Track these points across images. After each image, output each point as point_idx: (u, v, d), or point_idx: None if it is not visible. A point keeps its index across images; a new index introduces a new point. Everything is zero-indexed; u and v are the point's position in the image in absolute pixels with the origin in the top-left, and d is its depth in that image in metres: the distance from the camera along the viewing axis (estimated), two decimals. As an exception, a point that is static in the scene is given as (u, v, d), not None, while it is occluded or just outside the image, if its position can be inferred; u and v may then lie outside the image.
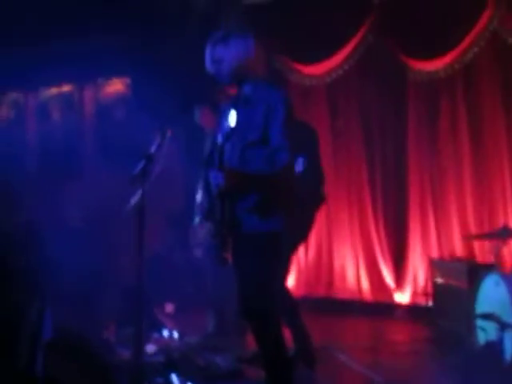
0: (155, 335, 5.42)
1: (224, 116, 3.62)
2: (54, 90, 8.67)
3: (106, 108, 8.32)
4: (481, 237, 6.30)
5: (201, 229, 5.59)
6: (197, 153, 5.79)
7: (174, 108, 5.97)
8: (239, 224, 3.42)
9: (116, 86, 8.31)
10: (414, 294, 6.87)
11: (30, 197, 6.86)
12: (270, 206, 3.42)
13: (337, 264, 7.22)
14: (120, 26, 7.18)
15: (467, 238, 6.57)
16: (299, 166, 4.52)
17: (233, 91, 3.76)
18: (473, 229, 6.62)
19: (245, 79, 3.59)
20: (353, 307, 6.87)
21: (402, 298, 6.92)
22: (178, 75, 6.90)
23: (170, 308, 6.80)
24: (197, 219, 5.65)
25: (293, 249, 4.74)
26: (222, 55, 3.57)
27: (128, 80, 8.22)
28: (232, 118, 3.50)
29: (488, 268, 5.38)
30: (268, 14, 7.22)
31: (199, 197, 5.66)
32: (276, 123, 3.45)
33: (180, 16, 7.26)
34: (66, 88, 8.62)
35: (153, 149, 3.68)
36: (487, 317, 4.68)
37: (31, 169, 8.55)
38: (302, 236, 4.84)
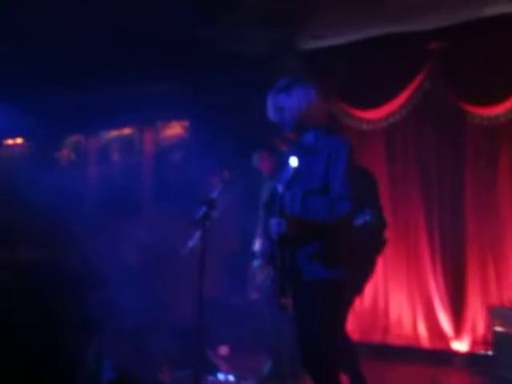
0: (210, 378, 5.43)
1: (285, 164, 3.67)
2: (115, 133, 8.90)
3: (164, 150, 8.49)
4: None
5: (259, 273, 5.62)
6: (254, 197, 5.86)
7: (233, 152, 6.08)
8: (299, 271, 3.44)
9: (175, 129, 8.49)
10: (473, 342, 6.73)
11: (88, 236, 7.01)
12: (331, 254, 3.44)
13: (393, 310, 7.13)
14: (180, 71, 7.36)
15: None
16: (367, 215, 4.52)
17: (292, 137, 3.82)
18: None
19: (307, 127, 3.65)
20: (409, 354, 6.75)
21: (461, 346, 6.78)
22: (237, 120, 7.01)
23: (224, 350, 6.80)
24: (256, 263, 5.68)
25: (355, 293, 4.75)
26: (284, 103, 3.63)
27: (187, 123, 8.39)
28: (293, 165, 3.54)
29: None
30: (325, 58, 7.31)
31: (258, 241, 5.71)
32: (337, 171, 3.48)
33: (236, 61, 7.40)
34: (126, 131, 8.84)
35: (214, 194, 3.75)
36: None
37: (90, 208, 8.74)
38: (364, 280, 4.85)
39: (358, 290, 4.85)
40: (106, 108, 8.14)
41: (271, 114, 3.72)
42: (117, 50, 6.98)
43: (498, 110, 6.65)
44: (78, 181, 8.80)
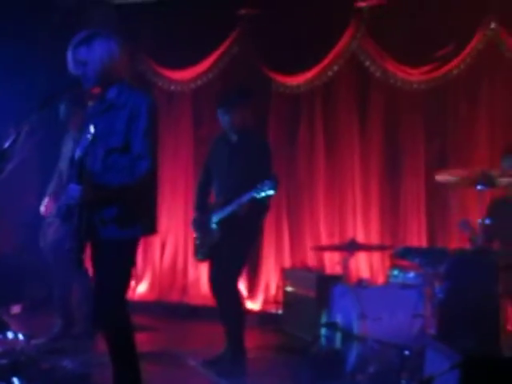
0: (-1, 337, 5.24)
1: (85, 126, 3.58)
2: None
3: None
4: (330, 248, 6.52)
5: (51, 229, 5.49)
6: (55, 150, 5.67)
7: (32, 103, 5.81)
8: (97, 232, 3.44)
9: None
10: (265, 302, 7.05)
11: None
12: (127, 216, 3.44)
13: (191, 270, 7.27)
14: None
15: (318, 250, 6.81)
16: (268, 188, 4.60)
17: (95, 91, 3.73)
18: (324, 241, 6.90)
19: (110, 82, 3.57)
20: (206, 313, 6.92)
21: (254, 305, 7.07)
22: (38, 68, 6.72)
23: (16, 309, 6.60)
24: (49, 220, 5.53)
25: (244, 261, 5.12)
26: (86, 57, 3.53)
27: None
28: (92, 131, 3.46)
29: (336, 279, 5.65)
30: (137, 15, 7.19)
31: (47, 199, 5.56)
32: (138, 129, 3.46)
33: (46, 8, 7.06)
34: None
35: (6, 144, 3.58)
36: (332, 326, 4.89)
37: None
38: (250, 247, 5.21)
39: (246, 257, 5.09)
40: None
41: (72, 67, 3.58)
42: None
43: (299, 80, 6.94)
44: None
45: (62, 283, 5.57)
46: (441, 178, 5.27)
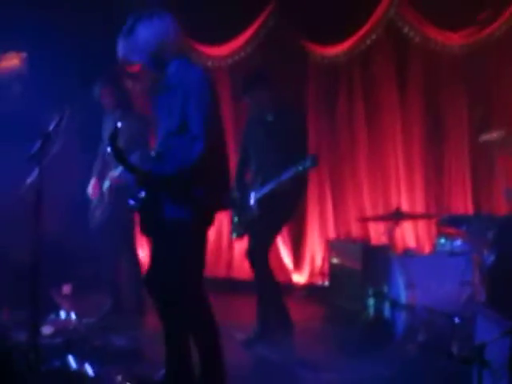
0: (52, 317, 5.35)
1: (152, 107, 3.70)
2: None
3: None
4: (375, 219, 6.52)
5: (98, 211, 5.57)
6: (95, 131, 5.72)
7: (73, 85, 5.87)
8: (155, 210, 3.44)
9: (12, 61, 8.03)
10: (312, 274, 7.06)
11: None
12: (183, 198, 3.42)
13: (237, 245, 7.30)
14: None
15: (362, 220, 6.79)
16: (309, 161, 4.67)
17: (132, 69, 3.73)
18: (368, 212, 6.86)
19: (166, 61, 3.55)
20: (252, 287, 6.96)
21: (300, 278, 7.09)
22: (78, 50, 6.75)
23: (67, 289, 6.72)
24: (96, 201, 5.61)
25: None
26: (135, 43, 3.51)
27: (24, 54, 7.95)
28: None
29: (381, 249, 5.63)
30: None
31: (93, 180, 5.65)
32: (190, 110, 3.41)
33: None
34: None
35: (51, 127, 3.63)
36: (380, 296, 4.89)
37: None
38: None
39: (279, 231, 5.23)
40: None
41: (123, 54, 3.57)
42: None
43: (337, 50, 6.87)
44: None
45: (110, 263, 5.67)
46: (485, 138, 5.18)
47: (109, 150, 3.36)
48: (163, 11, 3.60)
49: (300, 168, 4.62)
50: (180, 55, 3.59)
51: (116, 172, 5.31)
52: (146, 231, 3.64)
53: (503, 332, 3.01)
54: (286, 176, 4.72)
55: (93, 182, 5.65)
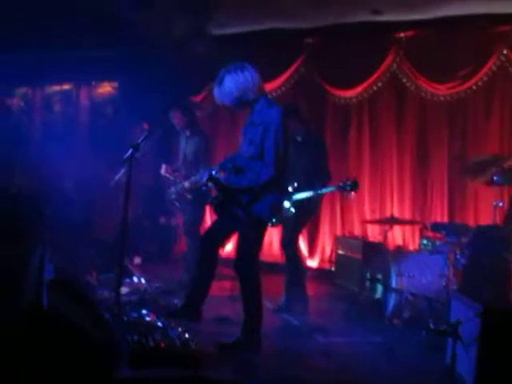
0: (127, 280, 5.36)
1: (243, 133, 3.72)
2: (56, 87, 8.40)
3: (97, 105, 8.12)
4: (373, 222, 6.48)
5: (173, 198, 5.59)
6: (169, 143, 5.73)
7: (155, 109, 5.92)
8: (234, 210, 3.59)
9: (106, 88, 8.13)
10: (322, 261, 7.02)
11: (33, 169, 6.69)
12: (251, 204, 3.55)
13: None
14: (113, 44, 7.00)
15: (363, 222, 6.75)
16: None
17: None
18: (368, 216, 6.82)
19: (250, 102, 3.59)
20: (276, 269, 6.93)
21: (313, 263, 7.06)
22: (160, 83, 6.80)
23: (137, 260, 6.77)
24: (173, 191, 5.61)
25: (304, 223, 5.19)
26: (222, 92, 3.59)
27: (116, 84, 8.05)
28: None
29: (377, 245, 5.59)
30: (228, 44, 7.15)
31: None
32: (267, 142, 3.52)
33: (157, 41, 7.12)
34: (66, 86, 8.37)
35: (140, 140, 3.66)
36: (375, 280, 4.84)
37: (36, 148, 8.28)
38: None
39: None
40: (50, 65, 7.65)
41: (218, 99, 3.64)
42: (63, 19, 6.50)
43: (351, 94, 6.85)
44: (26, 124, 8.33)
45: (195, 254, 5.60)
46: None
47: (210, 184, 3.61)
48: (245, 64, 3.61)
49: (341, 186, 4.53)
50: (264, 93, 3.65)
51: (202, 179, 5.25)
52: (228, 221, 3.70)
53: (476, 313, 2.96)
54: (327, 191, 4.68)
55: (164, 166, 5.57)
